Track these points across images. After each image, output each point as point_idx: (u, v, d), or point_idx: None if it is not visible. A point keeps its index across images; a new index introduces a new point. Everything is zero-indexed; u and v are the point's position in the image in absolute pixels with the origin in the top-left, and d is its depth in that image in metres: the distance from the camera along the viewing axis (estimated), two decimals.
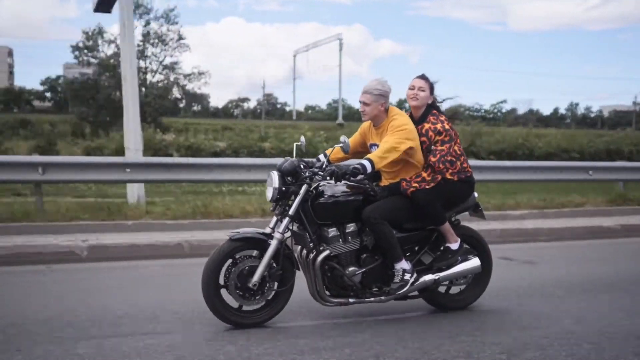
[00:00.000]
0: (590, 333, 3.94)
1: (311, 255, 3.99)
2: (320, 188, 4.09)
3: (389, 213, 4.07)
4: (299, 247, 4.16)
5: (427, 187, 4.11)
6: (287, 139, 23.37)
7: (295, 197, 3.99)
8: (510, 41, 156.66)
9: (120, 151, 14.83)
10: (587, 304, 4.72)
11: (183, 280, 5.24)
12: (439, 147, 4.12)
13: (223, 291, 3.93)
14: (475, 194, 4.46)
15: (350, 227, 4.08)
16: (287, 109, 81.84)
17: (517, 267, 6.23)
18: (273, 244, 3.92)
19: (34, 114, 45.40)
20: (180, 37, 33.53)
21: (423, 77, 4.29)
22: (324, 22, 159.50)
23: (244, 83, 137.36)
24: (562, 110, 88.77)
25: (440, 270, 4.27)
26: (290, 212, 3.98)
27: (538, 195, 10.79)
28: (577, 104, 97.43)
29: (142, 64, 33.10)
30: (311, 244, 4.01)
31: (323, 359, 3.43)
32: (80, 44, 31.92)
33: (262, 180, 7.86)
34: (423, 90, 4.24)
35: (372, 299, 4.14)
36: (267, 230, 4.02)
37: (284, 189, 4.00)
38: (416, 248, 4.33)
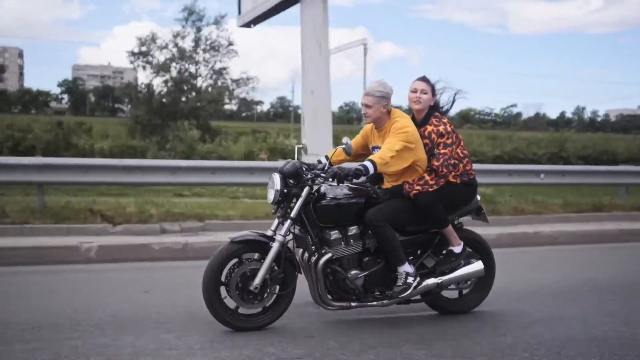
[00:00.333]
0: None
1: (313, 258, 3.97)
2: (322, 190, 4.07)
3: (392, 216, 4.04)
4: (301, 250, 4.14)
5: (429, 189, 4.08)
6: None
7: (297, 200, 3.98)
8: (510, 44, 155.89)
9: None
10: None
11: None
12: (442, 151, 4.09)
13: (223, 291, 3.90)
14: (478, 197, 4.42)
15: (353, 230, 4.05)
16: (299, 111, 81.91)
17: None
18: (275, 246, 3.90)
19: (57, 115, 45.60)
20: (230, 43, 34.01)
21: (424, 79, 4.26)
22: None
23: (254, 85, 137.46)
24: (568, 114, 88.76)
25: (443, 273, 4.23)
26: (292, 214, 3.96)
27: None
28: (583, 108, 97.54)
29: (192, 69, 34.01)
30: (313, 247, 3.99)
31: None
32: (135, 50, 32.82)
33: None
34: (425, 93, 4.20)
35: (375, 302, 4.11)
36: (269, 232, 4.01)
37: (285, 191, 3.99)
38: (419, 251, 4.30)
